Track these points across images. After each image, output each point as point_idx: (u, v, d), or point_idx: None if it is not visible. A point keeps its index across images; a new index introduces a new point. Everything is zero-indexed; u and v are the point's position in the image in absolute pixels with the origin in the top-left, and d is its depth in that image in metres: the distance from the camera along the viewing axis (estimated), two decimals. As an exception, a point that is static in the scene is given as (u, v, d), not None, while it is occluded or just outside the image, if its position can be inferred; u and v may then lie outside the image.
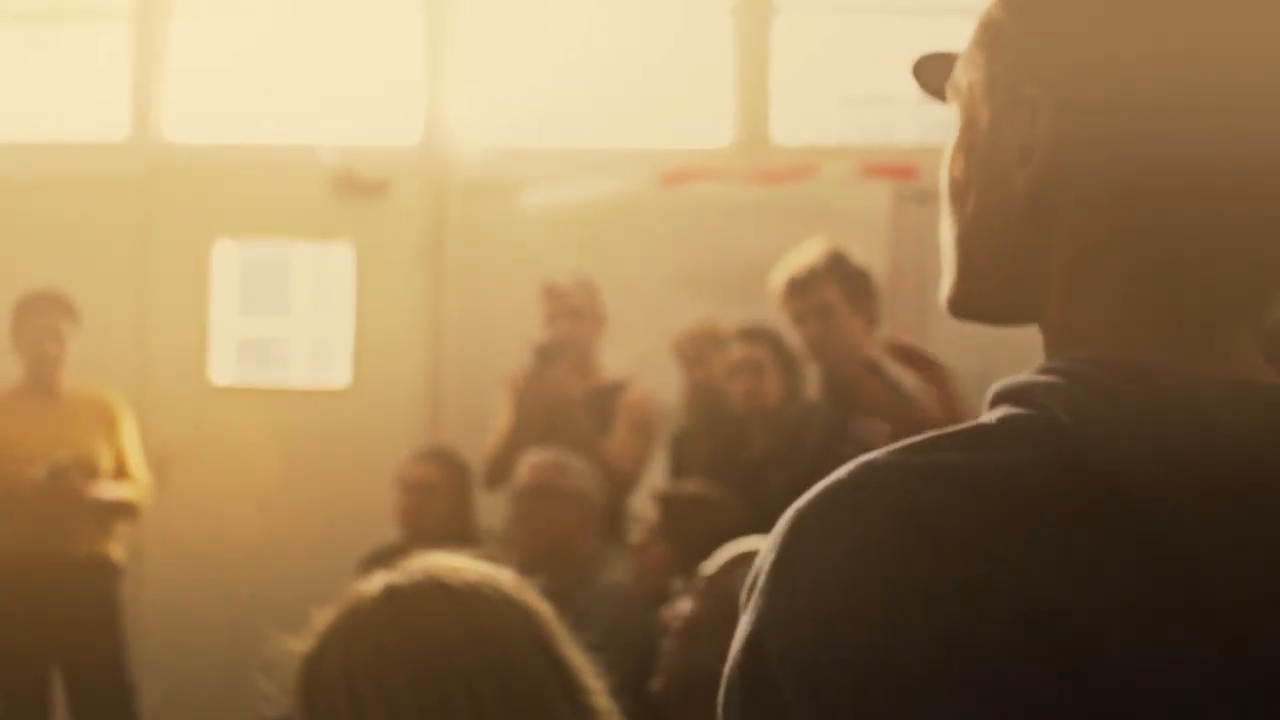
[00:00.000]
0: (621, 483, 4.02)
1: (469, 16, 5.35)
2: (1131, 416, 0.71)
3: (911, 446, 0.74)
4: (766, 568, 0.72)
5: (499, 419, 4.26)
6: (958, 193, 0.86)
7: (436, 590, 1.24)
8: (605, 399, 4.17)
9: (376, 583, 1.27)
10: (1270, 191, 0.77)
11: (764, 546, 0.74)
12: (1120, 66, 0.78)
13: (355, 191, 5.25)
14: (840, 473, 0.74)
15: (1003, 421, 0.75)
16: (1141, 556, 0.68)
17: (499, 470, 4.08)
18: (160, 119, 5.46)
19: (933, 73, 0.94)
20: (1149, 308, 0.79)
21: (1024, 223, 0.82)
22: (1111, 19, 0.79)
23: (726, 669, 0.72)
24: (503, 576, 1.28)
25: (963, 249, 0.86)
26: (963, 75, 0.87)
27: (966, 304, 0.87)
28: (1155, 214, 0.78)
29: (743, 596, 0.74)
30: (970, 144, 0.85)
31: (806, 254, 3.52)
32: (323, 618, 1.25)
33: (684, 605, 1.91)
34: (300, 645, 1.24)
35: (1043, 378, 0.76)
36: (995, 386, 0.80)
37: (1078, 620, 0.66)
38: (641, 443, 4.15)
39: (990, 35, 0.85)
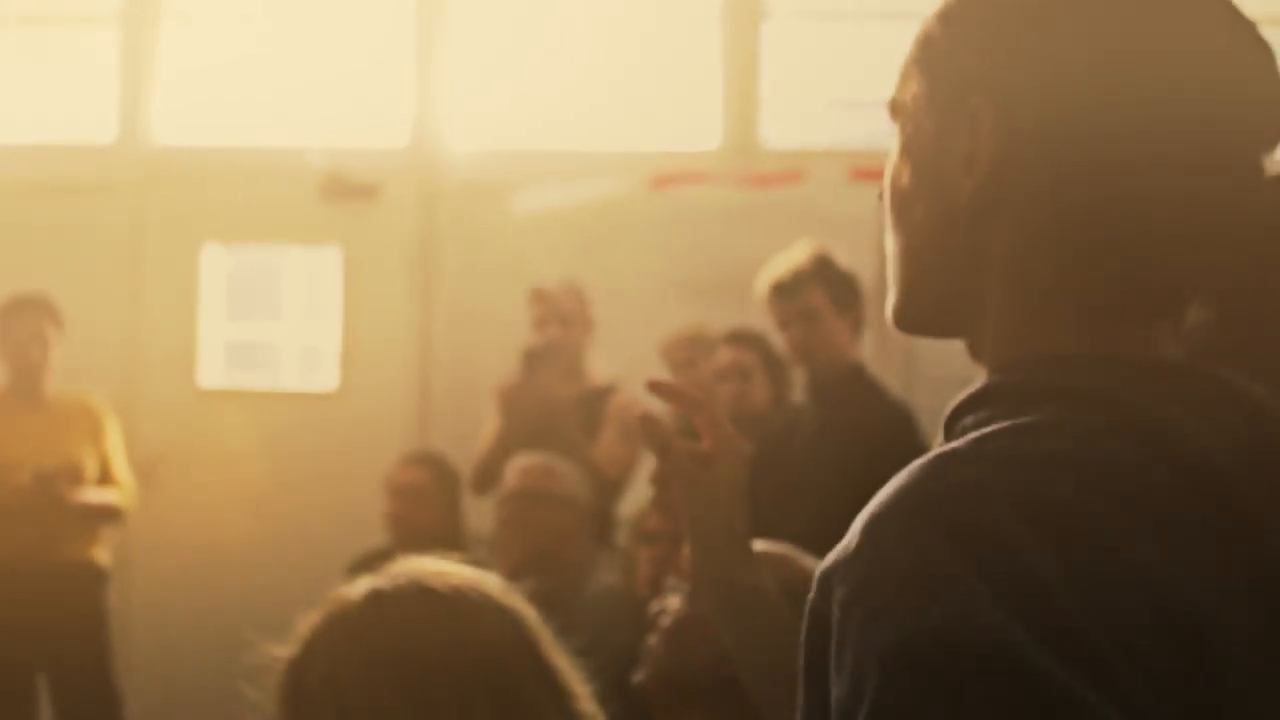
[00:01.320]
0: (609, 488, 4.02)
1: (458, 19, 5.34)
2: (1200, 413, 0.75)
3: (1002, 436, 0.74)
4: (910, 562, 0.69)
5: (488, 424, 4.26)
6: (904, 204, 0.88)
7: (421, 595, 1.23)
8: (594, 403, 4.17)
9: (360, 587, 1.26)
10: (1198, 190, 0.80)
11: (865, 543, 0.71)
12: (1058, 73, 0.81)
13: (345, 195, 5.24)
14: (938, 466, 0.73)
15: (1068, 416, 0.75)
16: (1243, 550, 0.72)
17: (488, 476, 4.08)
18: (149, 122, 5.45)
19: None
20: (1092, 304, 0.82)
21: (968, 229, 0.84)
22: (1047, 28, 0.81)
23: (884, 657, 0.67)
24: (487, 580, 1.28)
25: (908, 259, 0.88)
26: (903, 92, 0.89)
27: (912, 316, 0.90)
28: (1094, 214, 0.80)
29: (840, 594, 0.71)
30: (915, 157, 0.87)
31: (792, 257, 3.51)
32: (306, 623, 1.24)
33: (674, 602, 1.91)
34: (284, 651, 1.23)
35: (1063, 374, 0.78)
36: (975, 391, 0.82)
37: (1193, 604, 0.69)
38: (630, 448, 4.15)
39: (928, 51, 0.87)
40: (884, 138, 0.90)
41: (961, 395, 0.83)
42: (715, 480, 1.17)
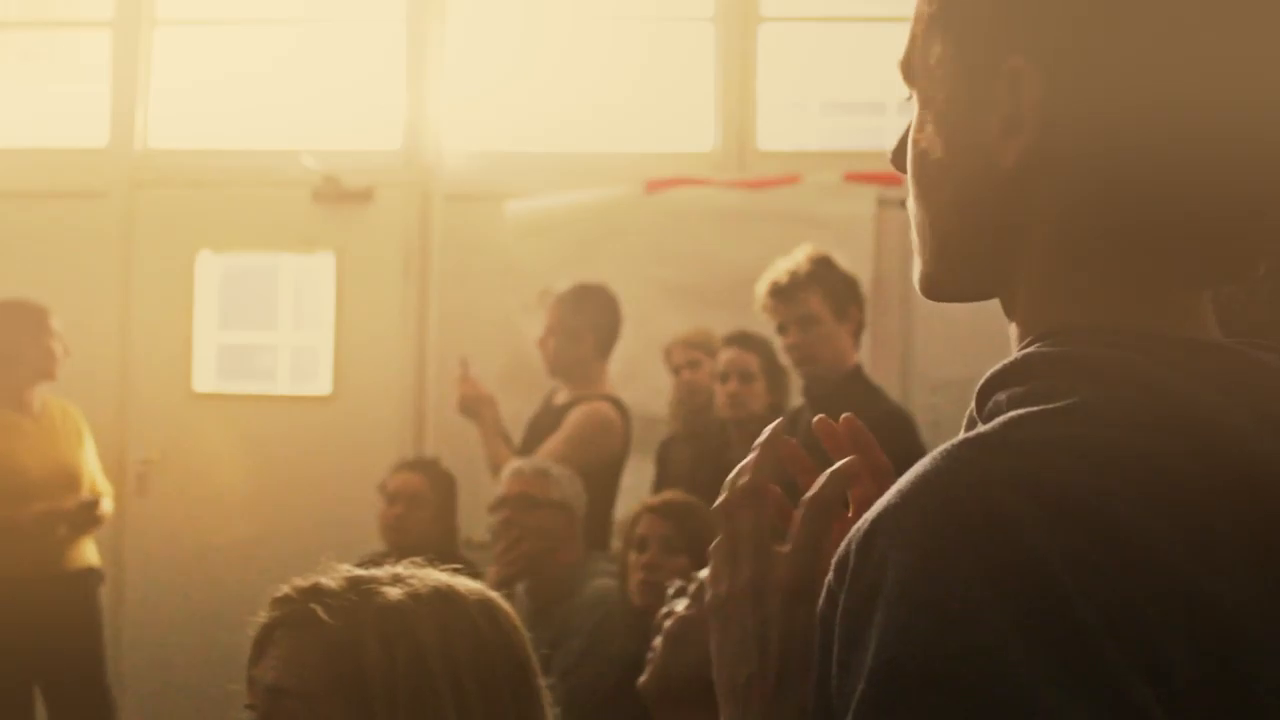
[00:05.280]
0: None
1: (452, 23, 5.33)
2: (1245, 403, 0.73)
3: (1032, 423, 0.72)
4: (932, 576, 0.66)
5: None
6: (932, 171, 0.85)
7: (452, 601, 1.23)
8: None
9: (396, 588, 1.26)
10: (1259, 159, 0.77)
11: (885, 541, 0.69)
12: (1106, 32, 0.77)
13: (338, 199, 5.23)
14: (964, 455, 0.71)
15: (1110, 401, 0.73)
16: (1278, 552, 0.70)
17: None
18: (142, 127, 5.44)
19: None
20: (1138, 272, 0.80)
21: (1008, 194, 0.81)
22: None
23: (894, 654, 0.66)
24: (469, 584, 1.27)
25: (938, 227, 0.86)
26: (917, 53, 0.86)
27: (944, 284, 0.88)
28: (1144, 180, 0.78)
29: (855, 587, 0.69)
30: (945, 122, 0.84)
31: (791, 261, 3.49)
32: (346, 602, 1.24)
33: (678, 606, 1.92)
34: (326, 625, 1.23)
35: (1108, 353, 0.76)
36: (1013, 363, 0.80)
37: (1227, 608, 0.67)
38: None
39: (950, 10, 0.84)
40: (879, 139, 0.89)
41: (998, 366, 0.81)
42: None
